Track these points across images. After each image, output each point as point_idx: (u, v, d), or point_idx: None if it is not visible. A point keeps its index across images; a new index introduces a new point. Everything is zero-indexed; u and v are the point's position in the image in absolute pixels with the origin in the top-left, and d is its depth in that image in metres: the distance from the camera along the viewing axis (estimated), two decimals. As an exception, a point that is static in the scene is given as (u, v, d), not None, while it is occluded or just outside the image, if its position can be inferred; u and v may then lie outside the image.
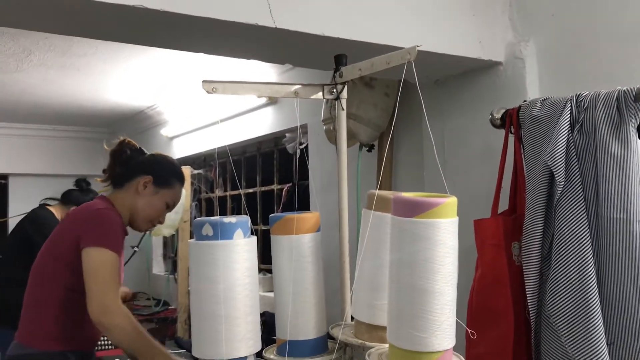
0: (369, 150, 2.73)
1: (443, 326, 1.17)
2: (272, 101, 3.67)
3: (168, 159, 2.13)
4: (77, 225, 1.87)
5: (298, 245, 1.43)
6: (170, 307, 4.52)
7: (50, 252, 1.92)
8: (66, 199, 3.48)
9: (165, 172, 2.06)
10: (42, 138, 5.79)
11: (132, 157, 2.04)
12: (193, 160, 4.86)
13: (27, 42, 3.18)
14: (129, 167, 2.01)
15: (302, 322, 1.43)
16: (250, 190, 4.33)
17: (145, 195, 1.99)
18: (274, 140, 3.96)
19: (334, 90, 1.60)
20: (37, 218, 3.38)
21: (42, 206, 3.49)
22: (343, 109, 1.62)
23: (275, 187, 4.00)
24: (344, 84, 1.60)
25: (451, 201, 1.19)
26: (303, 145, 3.49)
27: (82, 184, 3.54)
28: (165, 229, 4.07)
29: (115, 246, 1.81)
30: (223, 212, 4.68)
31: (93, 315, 1.71)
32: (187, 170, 4.47)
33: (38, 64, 3.58)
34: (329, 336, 1.51)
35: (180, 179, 2.11)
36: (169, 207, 2.07)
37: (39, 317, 1.89)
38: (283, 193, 3.72)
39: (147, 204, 1.99)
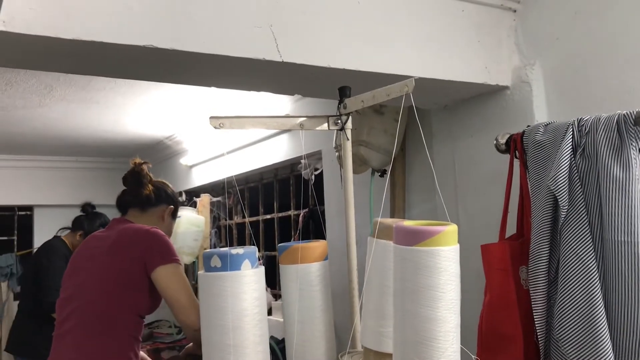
0: (381, 176, 2.75)
1: (447, 353, 1.18)
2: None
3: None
4: (138, 250, 1.87)
5: (305, 274, 1.46)
6: (191, 335, 4.55)
7: (110, 279, 1.89)
8: (75, 226, 3.57)
9: (178, 204, 2.23)
10: (64, 170, 5.91)
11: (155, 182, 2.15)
12: (212, 188, 4.93)
13: (48, 79, 3.29)
14: (157, 194, 2.11)
15: (310, 350, 1.45)
16: (268, 217, 4.37)
17: (166, 223, 2.13)
18: (290, 167, 4.01)
19: (339, 121, 1.64)
20: (51, 248, 3.47)
21: (56, 237, 3.58)
22: (348, 139, 1.65)
23: (292, 212, 4.04)
24: (348, 114, 1.64)
25: (451, 229, 1.20)
26: (318, 171, 3.53)
27: (87, 208, 3.59)
28: (185, 257, 4.13)
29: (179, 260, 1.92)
30: (242, 239, 4.72)
31: (196, 324, 1.69)
32: (206, 198, 4.55)
33: (59, 98, 3.70)
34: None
35: None
36: None
37: (108, 345, 1.86)
38: (300, 219, 3.75)
39: (167, 232, 2.10)
